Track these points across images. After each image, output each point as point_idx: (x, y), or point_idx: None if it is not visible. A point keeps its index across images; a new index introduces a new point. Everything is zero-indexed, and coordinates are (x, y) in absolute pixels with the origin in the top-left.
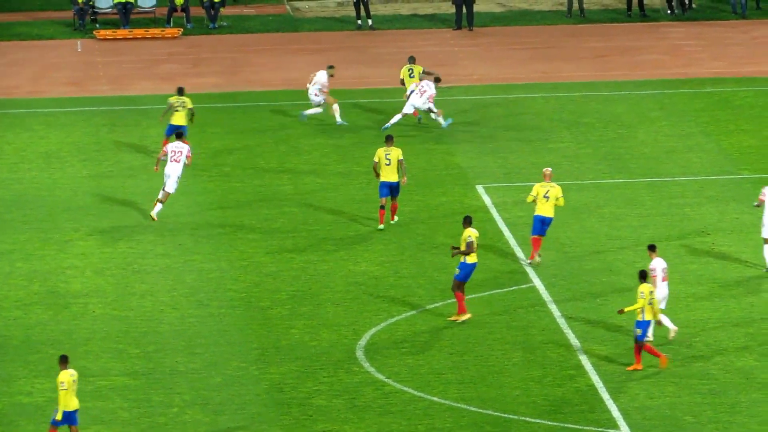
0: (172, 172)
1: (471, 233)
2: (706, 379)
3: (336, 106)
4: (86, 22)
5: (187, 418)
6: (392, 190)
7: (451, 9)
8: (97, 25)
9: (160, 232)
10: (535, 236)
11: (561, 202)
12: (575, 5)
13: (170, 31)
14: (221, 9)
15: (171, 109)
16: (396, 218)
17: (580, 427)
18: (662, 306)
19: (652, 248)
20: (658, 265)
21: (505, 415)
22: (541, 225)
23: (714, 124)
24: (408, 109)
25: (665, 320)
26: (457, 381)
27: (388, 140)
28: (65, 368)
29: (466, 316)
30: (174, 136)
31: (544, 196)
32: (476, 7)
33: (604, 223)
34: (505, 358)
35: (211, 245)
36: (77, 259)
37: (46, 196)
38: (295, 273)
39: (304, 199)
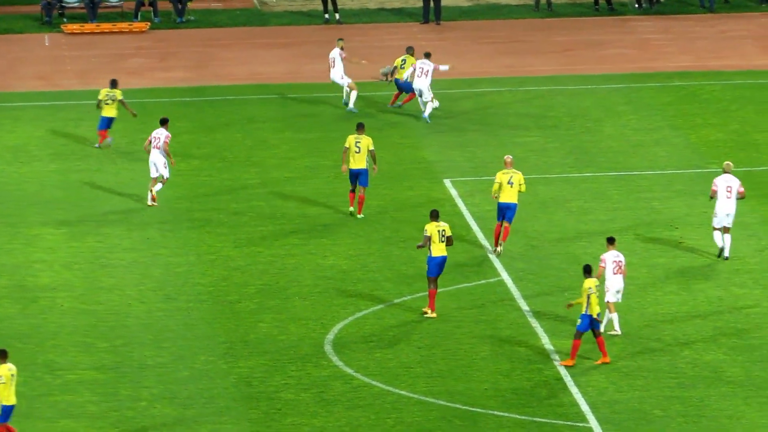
0: (157, 159)
1: (428, 227)
2: (675, 372)
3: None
4: (54, 16)
5: (156, 411)
6: (359, 177)
7: (419, 3)
8: (65, 20)
9: (127, 226)
10: (499, 223)
11: (523, 188)
12: None
13: (138, 26)
14: (188, 3)
15: (102, 102)
16: (361, 215)
17: (549, 421)
18: (618, 299)
19: (610, 241)
20: (608, 257)
21: (474, 409)
22: (506, 212)
23: (681, 118)
24: (416, 92)
25: (615, 319)
26: (425, 375)
27: (360, 128)
28: (4, 362)
29: (430, 312)
30: (161, 127)
31: (508, 183)
32: (444, 1)
33: (572, 216)
34: (474, 352)
35: (178, 239)
36: (45, 253)
37: (14, 191)
38: (263, 267)
39: (271, 193)
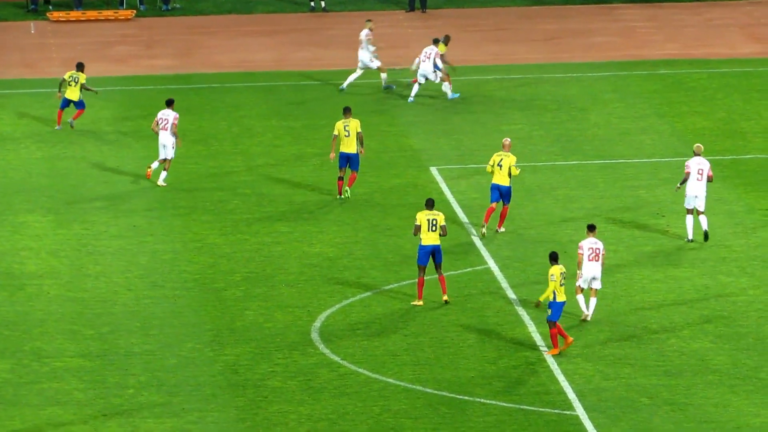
0: (166, 140)
1: (419, 215)
2: (662, 360)
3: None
4: (39, 4)
5: (142, 399)
6: (350, 161)
7: None
8: (50, 7)
9: (114, 213)
10: (493, 204)
11: (515, 171)
12: None
13: (123, 13)
14: None
15: (64, 83)
16: (349, 190)
17: (536, 409)
18: (596, 286)
19: (590, 228)
20: (585, 244)
21: (461, 397)
22: (497, 194)
23: (667, 106)
24: (421, 79)
25: (581, 301)
26: (412, 362)
27: (346, 112)
28: None
29: (417, 301)
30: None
31: (498, 165)
32: None
33: (558, 204)
34: (460, 340)
35: (165, 226)
36: (32, 241)
37: (0, 178)
38: (250, 254)
39: (257, 180)
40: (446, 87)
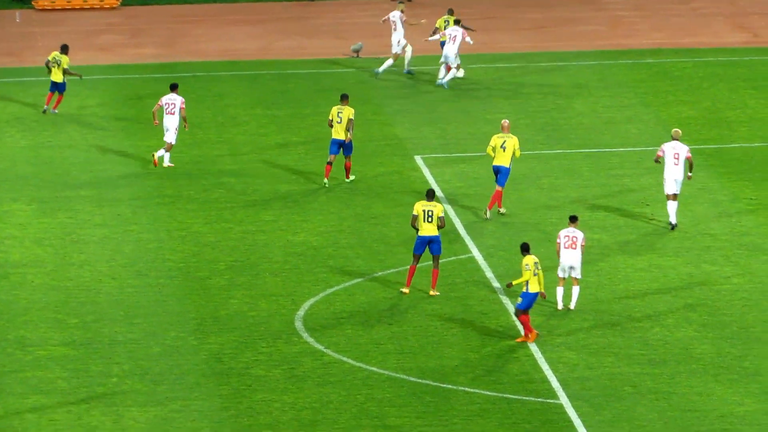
0: (170, 124)
1: (416, 206)
2: (646, 349)
3: (409, 49)
4: None
5: (126, 387)
6: (343, 148)
7: None
8: None
9: (98, 202)
10: (499, 188)
11: (518, 153)
12: None
13: (109, 2)
14: None
15: (50, 63)
16: (352, 177)
17: (520, 398)
18: (575, 275)
19: (571, 219)
20: (562, 233)
21: (444, 385)
22: (498, 175)
23: (653, 95)
24: (443, 58)
25: (559, 295)
26: (396, 351)
27: (343, 99)
28: None
29: (404, 288)
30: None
31: (501, 147)
32: None
33: (543, 193)
34: (444, 329)
35: (149, 215)
36: (16, 229)
37: None
38: (234, 243)
39: (242, 169)
40: (444, 72)
